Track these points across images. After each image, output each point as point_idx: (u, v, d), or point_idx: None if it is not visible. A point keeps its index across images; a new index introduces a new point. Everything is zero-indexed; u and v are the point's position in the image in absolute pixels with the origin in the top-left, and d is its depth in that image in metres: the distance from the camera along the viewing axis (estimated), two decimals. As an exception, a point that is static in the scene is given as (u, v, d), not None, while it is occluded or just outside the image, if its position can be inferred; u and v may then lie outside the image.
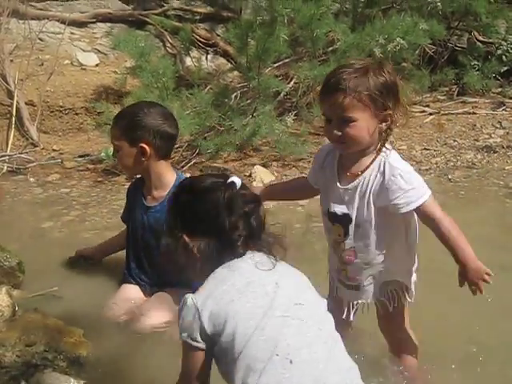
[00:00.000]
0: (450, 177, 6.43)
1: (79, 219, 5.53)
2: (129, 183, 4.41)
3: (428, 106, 8.11)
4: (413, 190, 2.92)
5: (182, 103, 6.82)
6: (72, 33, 8.50)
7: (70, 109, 7.61)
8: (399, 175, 2.91)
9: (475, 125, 7.63)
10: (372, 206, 2.97)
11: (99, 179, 6.49)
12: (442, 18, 8.09)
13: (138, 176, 4.13)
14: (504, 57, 8.42)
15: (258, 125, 6.66)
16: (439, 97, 8.44)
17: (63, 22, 8.32)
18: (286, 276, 2.47)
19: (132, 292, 4.00)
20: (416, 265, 3.19)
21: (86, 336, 3.58)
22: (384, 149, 2.98)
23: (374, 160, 2.98)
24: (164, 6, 8.85)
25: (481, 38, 8.76)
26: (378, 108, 2.89)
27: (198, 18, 8.76)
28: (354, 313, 3.27)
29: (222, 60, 8.60)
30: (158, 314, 3.71)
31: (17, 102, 7.34)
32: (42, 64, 7.88)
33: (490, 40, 8.67)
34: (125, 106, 4.46)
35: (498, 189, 6.16)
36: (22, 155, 6.98)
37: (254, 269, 2.39)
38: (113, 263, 4.46)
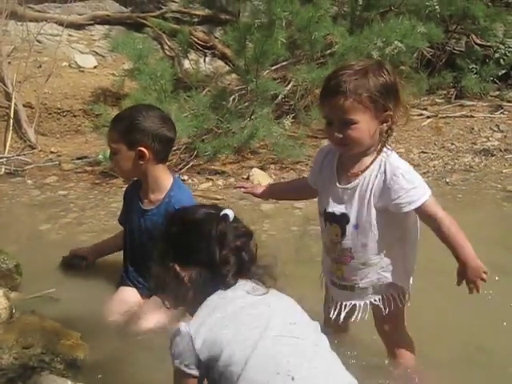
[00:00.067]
0: (447, 180, 6.43)
1: (77, 221, 5.52)
2: (126, 185, 4.40)
3: (426, 109, 8.12)
4: (414, 189, 2.93)
5: (179, 106, 6.82)
6: (70, 35, 8.50)
7: (68, 111, 7.60)
8: (401, 175, 2.93)
9: (473, 128, 7.64)
10: (372, 205, 2.98)
11: (97, 181, 6.49)
12: (440, 22, 8.11)
13: (135, 179, 4.12)
14: (502, 60, 8.43)
15: (256, 127, 6.66)
16: (437, 100, 8.45)
17: (61, 24, 8.32)
18: (278, 300, 2.48)
19: (129, 294, 4.00)
20: (415, 264, 3.20)
21: (84, 338, 3.57)
22: (384, 149, 2.99)
23: (374, 160, 2.99)
24: (162, 9, 8.86)
25: (479, 42, 8.77)
26: (378, 109, 2.90)
27: (196, 20, 8.76)
28: (348, 315, 3.27)
29: (219, 62, 8.61)
30: (155, 317, 3.70)
31: (15, 104, 7.32)
32: (40, 66, 7.87)
33: (488, 43, 8.69)
34: (123, 109, 4.45)
35: (495, 192, 6.16)
36: (20, 157, 6.97)
37: (245, 295, 2.40)
38: (110, 265, 4.46)
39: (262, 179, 6.35)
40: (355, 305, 3.21)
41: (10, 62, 7.77)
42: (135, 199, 4.01)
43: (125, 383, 3.39)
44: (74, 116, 7.62)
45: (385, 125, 2.97)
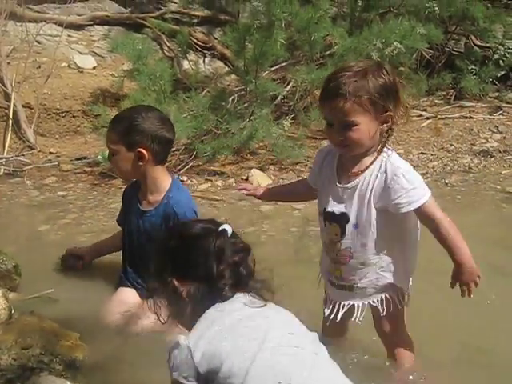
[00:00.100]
0: (446, 181, 6.43)
1: (76, 222, 5.52)
2: (125, 186, 4.40)
3: (425, 110, 8.12)
4: (414, 189, 2.93)
5: (179, 106, 6.82)
6: (69, 35, 8.50)
7: (67, 111, 7.60)
8: (401, 174, 2.93)
9: (472, 129, 7.64)
10: (372, 205, 2.98)
11: (96, 182, 6.49)
12: (440, 23, 8.10)
13: (134, 180, 4.12)
14: (501, 61, 8.43)
15: (255, 128, 6.66)
16: (436, 101, 8.45)
17: (60, 25, 8.32)
18: (276, 313, 2.48)
19: (128, 295, 3.99)
20: (414, 267, 3.19)
21: (83, 339, 3.57)
22: (385, 149, 2.99)
23: (375, 160, 3.00)
24: (161, 9, 8.87)
25: (478, 43, 8.77)
26: (378, 110, 2.90)
27: (195, 21, 8.75)
28: (347, 315, 3.27)
29: (219, 63, 8.60)
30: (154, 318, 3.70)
31: (14, 104, 7.32)
32: (40, 67, 7.87)
33: (488, 44, 8.69)
34: (122, 110, 4.44)
35: (494, 193, 6.17)
36: (19, 158, 6.97)
37: (243, 307, 2.40)
38: (109, 266, 4.45)
39: (261, 180, 6.36)
40: (353, 305, 3.21)
41: (9, 63, 7.77)
42: (134, 200, 4.01)
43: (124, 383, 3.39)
44: (73, 116, 7.62)
45: (385, 125, 2.97)
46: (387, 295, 3.14)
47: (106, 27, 8.77)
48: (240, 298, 2.42)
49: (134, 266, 4.04)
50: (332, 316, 3.26)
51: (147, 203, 3.93)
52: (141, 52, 7.01)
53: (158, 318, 2.58)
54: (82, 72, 8.04)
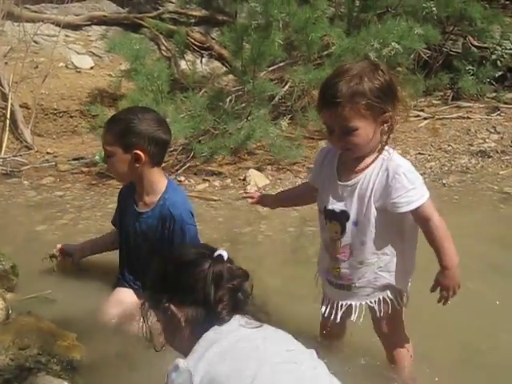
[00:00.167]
0: (444, 181, 6.44)
1: (73, 222, 5.52)
2: (121, 186, 4.39)
3: (422, 110, 8.12)
4: (414, 189, 2.94)
5: (176, 106, 6.82)
6: (67, 35, 8.50)
7: (65, 112, 7.60)
8: (403, 174, 2.93)
9: (470, 129, 7.64)
10: (372, 203, 2.98)
11: (93, 182, 6.49)
12: (437, 23, 8.11)
13: (128, 181, 4.11)
14: (499, 62, 8.43)
15: (253, 128, 6.66)
16: (434, 101, 8.45)
17: (58, 25, 8.32)
18: (273, 331, 2.47)
19: (126, 295, 3.99)
20: (413, 269, 3.20)
21: (80, 339, 3.57)
22: (386, 147, 2.99)
23: (376, 158, 3.00)
24: (159, 9, 8.87)
25: (475, 43, 8.77)
26: (377, 113, 2.91)
27: (192, 21, 8.75)
28: (345, 315, 3.28)
29: (216, 63, 8.61)
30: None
31: (11, 104, 7.32)
32: (37, 67, 7.87)
33: (485, 45, 8.68)
34: (117, 111, 4.43)
35: (492, 193, 6.17)
36: (16, 158, 6.97)
37: (240, 328, 2.40)
38: (106, 267, 4.44)
39: (258, 180, 6.36)
40: (351, 305, 3.21)
41: (6, 63, 7.77)
42: (130, 202, 4.00)
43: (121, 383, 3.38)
44: (71, 117, 7.62)
45: (385, 125, 2.97)
46: (385, 296, 3.14)
47: (104, 27, 8.77)
48: (237, 320, 2.42)
49: (131, 267, 4.04)
50: (331, 316, 3.26)
51: (143, 204, 3.92)
52: (138, 52, 7.01)
53: (154, 347, 2.58)
54: (79, 72, 8.05)
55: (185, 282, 2.45)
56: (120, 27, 8.76)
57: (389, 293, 3.14)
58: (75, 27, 8.67)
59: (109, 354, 3.59)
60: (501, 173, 6.68)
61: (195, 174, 6.59)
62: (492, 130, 7.61)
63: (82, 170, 6.82)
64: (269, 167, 6.74)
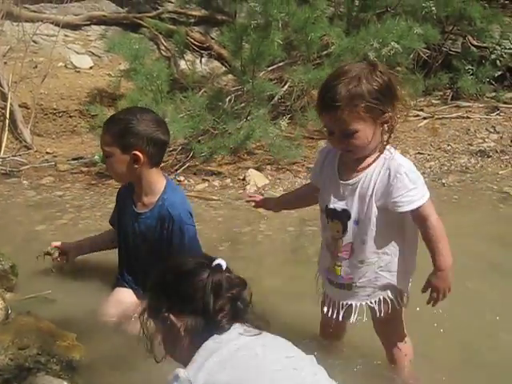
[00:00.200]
0: (443, 181, 6.44)
1: (72, 222, 5.52)
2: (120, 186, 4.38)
3: (422, 110, 8.11)
4: (415, 189, 2.95)
5: (176, 106, 6.82)
6: (66, 35, 8.50)
7: (64, 111, 7.60)
8: (404, 173, 2.94)
9: (469, 129, 7.64)
10: (373, 202, 2.99)
11: (93, 182, 6.49)
12: (437, 23, 8.10)
13: (127, 181, 4.10)
14: (498, 61, 8.43)
15: (252, 128, 6.65)
16: (433, 101, 8.44)
17: (57, 25, 8.31)
18: (272, 339, 2.47)
19: (125, 295, 3.99)
20: (414, 269, 3.19)
21: (79, 339, 3.57)
22: (388, 147, 3.00)
23: (377, 158, 3.00)
24: (158, 9, 8.86)
25: (475, 43, 8.77)
26: (377, 114, 2.91)
27: (192, 21, 8.75)
28: (346, 314, 3.28)
29: (216, 63, 8.60)
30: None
31: (10, 104, 7.32)
32: (36, 66, 7.87)
33: (485, 44, 8.68)
34: (116, 112, 4.41)
35: (491, 193, 6.17)
36: (16, 158, 6.97)
37: (239, 336, 2.39)
38: (106, 267, 4.44)
39: (257, 180, 6.36)
40: (351, 305, 3.21)
41: (5, 63, 7.77)
42: (128, 202, 3.99)
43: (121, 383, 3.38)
44: (70, 116, 7.62)
45: (385, 125, 2.97)
46: (386, 296, 3.14)
47: (103, 27, 8.76)
48: (236, 329, 2.41)
49: (130, 267, 4.04)
50: (333, 316, 3.27)
51: (142, 205, 3.91)
52: (138, 52, 7.01)
53: (155, 358, 2.57)
54: (78, 72, 8.04)
55: (184, 292, 2.45)
56: (119, 27, 8.75)
57: (389, 293, 3.15)
58: (74, 27, 8.66)
59: (108, 353, 3.59)
60: (500, 172, 6.68)
61: (195, 173, 6.59)
62: (491, 130, 7.61)
63: (82, 169, 6.82)
64: (268, 167, 6.74)
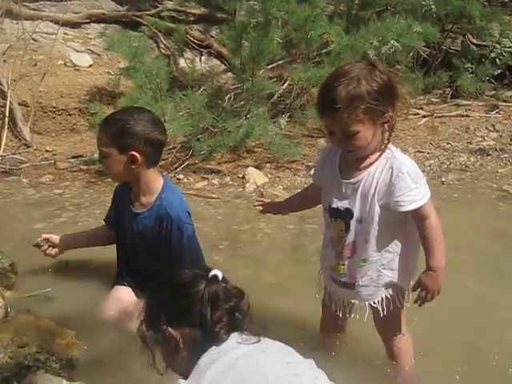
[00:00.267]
0: (443, 179, 6.44)
1: (72, 220, 5.51)
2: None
3: (422, 108, 8.12)
4: (417, 189, 2.95)
5: (175, 104, 6.81)
6: (65, 33, 8.49)
7: (64, 109, 7.60)
8: (406, 172, 2.94)
9: (469, 127, 7.64)
10: (376, 201, 2.99)
11: (92, 180, 6.48)
12: (436, 21, 8.10)
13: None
14: (498, 60, 8.43)
15: (252, 126, 6.65)
16: (433, 99, 8.45)
17: (57, 23, 8.31)
18: (271, 346, 2.46)
19: (124, 293, 3.99)
20: (416, 268, 3.19)
21: (79, 337, 3.57)
22: (389, 145, 3.00)
23: (379, 157, 3.00)
24: (158, 7, 8.85)
25: (475, 41, 8.77)
26: (377, 115, 2.90)
27: (191, 19, 8.75)
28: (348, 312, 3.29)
29: (215, 61, 8.60)
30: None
31: (10, 102, 7.31)
32: (36, 64, 7.86)
33: (484, 43, 8.69)
34: (112, 112, 4.39)
35: (491, 191, 6.17)
36: (15, 156, 6.97)
37: (239, 345, 2.38)
38: (105, 265, 4.44)
39: (257, 178, 6.36)
40: (354, 304, 3.22)
41: (5, 61, 7.77)
42: (126, 202, 3.97)
43: (120, 381, 3.38)
44: (70, 115, 7.62)
45: (386, 125, 2.97)
46: (387, 294, 3.15)
47: (103, 25, 8.76)
48: (235, 338, 2.40)
49: (128, 265, 4.04)
50: (337, 313, 3.29)
51: (140, 205, 3.90)
52: (137, 50, 6.99)
53: (157, 370, 2.55)
54: (78, 70, 8.04)
55: (181, 305, 2.44)
56: (119, 25, 8.75)
57: (391, 291, 3.15)
58: (74, 25, 8.66)
59: (107, 351, 3.59)
60: (500, 171, 6.68)
61: (194, 171, 6.59)
62: (491, 128, 7.61)
63: (81, 167, 6.82)
64: (268, 165, 6.74)
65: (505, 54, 8.44)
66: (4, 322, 3.60)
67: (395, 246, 3.08)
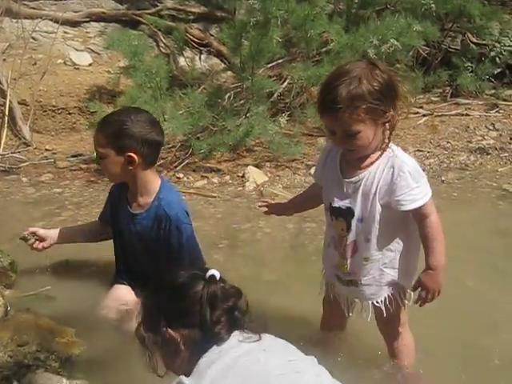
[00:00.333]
0: (443, 178, 6.44)
1: (72, 219, 5.51)
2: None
3: (421, 107, 8.11)
4: (418, 188, 2.96)
5: (175, 103, 6.81)
6: (65, 32, 8.48)
7: (63, 108, 7.59)
8: (408, 172, 2.95)
9: (468, 126, 7.63)
10: (377, 200, 3.00)
11: (92, 179, 6.48)
12: (436, 20, 8.09)
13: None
14: (497, 59, 8.42)
15: (252, 125, 6.65)
16: (433, 98, 8.44)
17: (56, 22, 8.29)
18: (272, 343, 2.46)
19: (124, 292, 3.99)
20: (416, 267, 3.20)
21: (78, 336, 3.57)
22: (390, 144, 3.00)
23: (380, 155, 3.00)
24: (158, 6, 8.84)
25: (474, 40, 8.76)
26: (378, 115, 2.90)
27: (191, 17, 8.74)
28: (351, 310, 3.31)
29: (215, 60, 8.59)
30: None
31: (9, 101, 7.31)
32: (35, 63, 7.86)
33: (484, 42, 8.67)
34: (109, 113, 4.38)
35: (490, 190, 6.17)
36: (15, 155, 6.96)
37: (239, 344, 2.38)
38: (105, 264, 4.44)
39: (257, 177, 6.36)
40: (356, 302, 3.24)
41: (4, 59, 7.76)
42: (123, 202, 3.97)
43: (120, 380, 3.38)
44: (69, 113, 7.61)
45: (387, 124, 2.97)
46: (389, 294, 3.15)
47: (102, 24, 8.74)
48: (236, 336, 2.40)
49: (127, 265, 4.05)
50: (347, 313, 3.33)
51: (137, 205, 3.89)
52: (137, 49, 6.99)
53: (157, 373, 2.55)
54: (77, 69, 8.04)
55: (180, 306, 2.44)
56: (118, 24, 8.73)
57: (393, 290, 3.16)
58: (74, 24, 8.64)
59: (107, 350, 3.60)
60: (499, 170, 6.68)
61: (194, 170, 6.58)
62: (491, 127, 7.61)
63: (81, 166, 6.81)
64: (267, 164, 6.73)
65: (504, 53, 8.43)
66: (4, 320, 3.60)
67: (397, 245, 3.09)
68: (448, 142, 7.29)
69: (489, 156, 6.99)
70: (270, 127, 6.76)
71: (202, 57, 8.58)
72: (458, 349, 3.57)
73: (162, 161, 6.33)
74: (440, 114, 7.94)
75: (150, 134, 3.75)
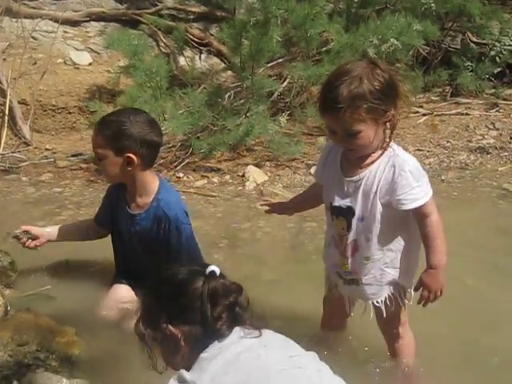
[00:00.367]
0: (443, 178, 6.44)
1: (72, 219, 5.50)
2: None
3: (421, 106, 8.11)
4: (418, 187, 2.96)
5: (175, 103, 6.81)
6: (65, 31, 8.47)
7: (63, 108, 7.59)
8: (409, 171, 2.95)
9: (468, 126, 7.63)
10: (378, 199, 2.99)
11: (92, 178, 6.48)
12: (436, 19, 8.09)
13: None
14: (497, 58, 8.42)
15: (252, 125, 6.65)
16: (432, 97, 8.44)
17: (56, 21, 8.29)
18: (272, 339, 2.45)
19: (124, 291, 4.00)
20: (417, 266, 3.20)
21: (79, 335, 3.57)
22: (391, 143, 3.00)
23: (381, 155, 3.00)
24: (158, 5, 8.83)
25: (474, 39, 8.76)
26: (379, 114, 2.90)
27: (191, 17, 8.73)
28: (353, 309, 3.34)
29: (215, 60, 8.59)
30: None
31: (9, 100, 7.30)
32: (35, 63, 7.86)
33: (484, 41, 8.67)
34: (108, 113, 4.37)
35: (490, 190, 6.17)
36: (15, 154, 6.96)
37: (240, 340, 2.38)
38: (105, 264, 4.44)
39: (257, 177, 6.36)
40: (359, 302, 3.25)
41: (4, 59, 7.76)
42: (121, 203, 3.97)
43: (120, 380, 3.38)
44: (69, 113, 7.61)
45: (388, 124, 2.97)
46: (390, 293, 3.15)
47: (102, 23, 8.73)
48: (237, 332, 2.40)
49: (127, 265, 4.05)
50: (347, 309, 3.34)
51: (136, 206, 3.89)
52: (137, 48, 6.99)
53: (156, 369, 2.54)
54: (77, 68, 8.03)
55: (181, 302, 2.43)
56: (118, 23, 8.72)
57: (393, 289, 3.16)
58: (73, 23, 8.64)
59: (107, 349, 3.60)
60: (499, 169, 6.68)
61: (194, 170, 6.58)
62: (491, 127, 7.61)
63: (81, 166, 6.81)
64: (267, 163, 6.73)
65: (504, 52, 8.42)
66: (4, 320, 3.60)
67: (398, 244, 3.09)
68: (448, 142, 7.29)
69: (489, 155, 6.99)
70: (270, 126, 6.76)
71: (202, 56, 8.57)
72: (458, 347, 3.58)
73: (162, 160, 6.34)
74: (440, 113, 7.94)
75: (148, 135, 3.75)
